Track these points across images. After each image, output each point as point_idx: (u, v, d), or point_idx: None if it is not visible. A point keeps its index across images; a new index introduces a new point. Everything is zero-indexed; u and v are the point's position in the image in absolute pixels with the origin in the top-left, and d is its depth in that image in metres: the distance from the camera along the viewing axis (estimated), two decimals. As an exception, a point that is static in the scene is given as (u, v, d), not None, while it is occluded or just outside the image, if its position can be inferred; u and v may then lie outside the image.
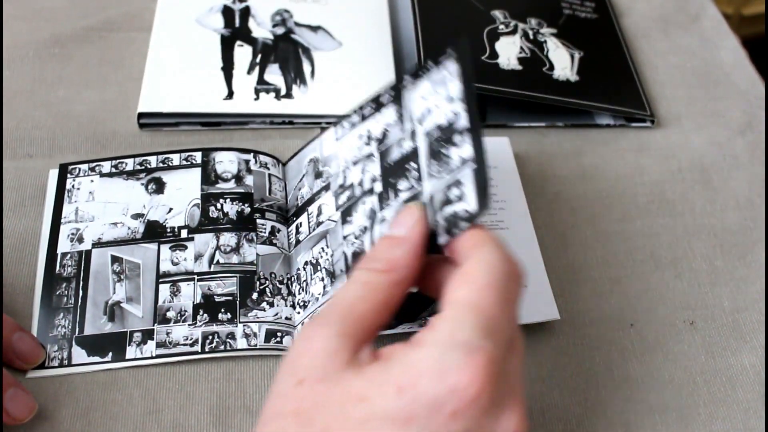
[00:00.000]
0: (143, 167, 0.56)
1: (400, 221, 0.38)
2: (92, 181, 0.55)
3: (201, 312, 0.49)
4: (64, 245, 0.52)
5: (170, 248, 0.52)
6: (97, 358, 0.48)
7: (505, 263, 0.36)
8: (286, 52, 0.65)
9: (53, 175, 0.56)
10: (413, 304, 0.49)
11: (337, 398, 0.33)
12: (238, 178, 0.55)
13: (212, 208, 0.54)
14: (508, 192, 0.56)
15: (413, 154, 0.44)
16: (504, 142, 0.60)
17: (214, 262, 0.51)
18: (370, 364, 0.34)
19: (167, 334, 0.49)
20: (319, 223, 0.52)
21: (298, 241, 0.53)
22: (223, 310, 0.49)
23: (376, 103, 0.49)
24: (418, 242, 0.37)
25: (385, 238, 0.38)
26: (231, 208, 0.54)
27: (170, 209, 0.54)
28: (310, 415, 0.33)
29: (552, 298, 0.51)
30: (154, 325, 0.49)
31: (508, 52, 0.66)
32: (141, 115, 0.60)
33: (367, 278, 0.36)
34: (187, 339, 0.48)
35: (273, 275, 0.51)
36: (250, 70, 0.63)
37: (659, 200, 0.59)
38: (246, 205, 0.54)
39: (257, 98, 0.62)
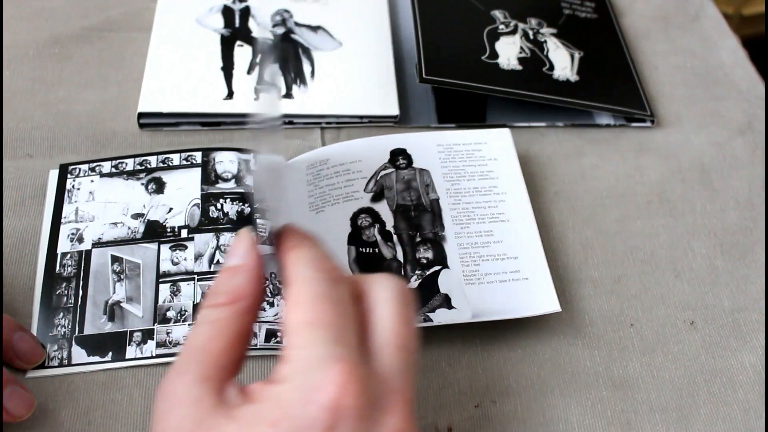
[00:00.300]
0: (143, 167, 0.56)
1: (233, 251, 0.37)
2: (92, 181, 0.55)
3: None
4: (64, 245, 0.52)
5: (170, 248, 0.52)
6: (97, 358, 0.48)
7: (322, 271, 0.35)
8: (286, 53, 0.65)
9: (53, 175, 0.56)
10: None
11: None
12: (238, 179, 0.55)
13: (212, 208, 0.54)
14: (509, 184, 0.56)
15: None
16: (505, 133, 0.60)
17: (214, 261, 0.51)
18: (240, 405, 0.33)
19: (167, 333, 0.49)
20: None
21: None
22: None
23: None
24: (255, 267, 0.36)
25: (222, 270, 0.37)
26: (231, 208, 0.54)
27: (170, 209, 0.54)
28: None
29: (553, 291, 0.51)
30: (154, 325, 0.49)
31: (508, 52, 0.66)
32: (141, 115, 0.60)
33: (214, 316, 0.35)
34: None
35: (273, 275, 0.51)
36: (250, 70, 0.63)
37: (659, 200, 0.59)
38: (246, 205, 0.54)
39: (257, 98, 0.62)
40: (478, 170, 0.57)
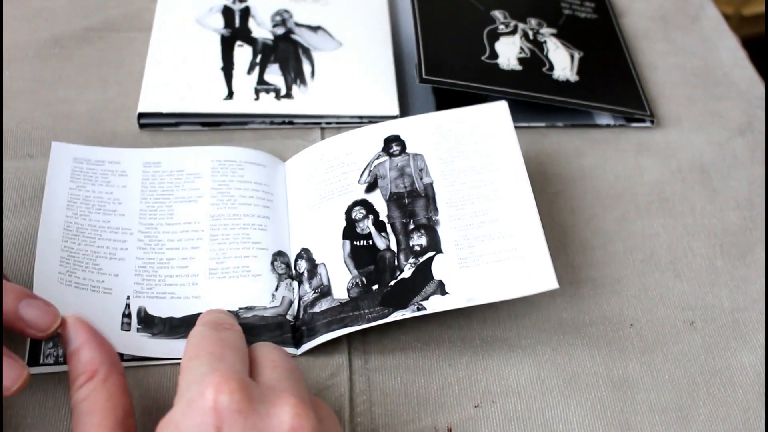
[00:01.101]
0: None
1: (67, 336, 0.41)
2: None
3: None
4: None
5: None
6: None
7: (209, 323, 0.43)
8: (286, 52, 0.65)
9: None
10: (407, 290, 0.49)
11: None
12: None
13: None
14: (505, 159, 0.54)
15: None
16: (501, 106, 0.57)
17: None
18: None
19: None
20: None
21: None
22: None
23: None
24: (92, 336, 0.41)
25: (69, 356, 0.41)
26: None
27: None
28: None
29: (550, 267, 0.49)
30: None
31: (508, 52, 0.66)
32: (141, 115, 0.60)
33: (81, 396, 0.40)
34: None
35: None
36: (250, 70, 0.63)
37: (659, 200, 0.59)
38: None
39: (257, 98, 0.62)
40: (473, 148, 0.55)
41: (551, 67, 0.65)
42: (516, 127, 0.62)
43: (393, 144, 0.56)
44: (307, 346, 0.49)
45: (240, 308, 0.50)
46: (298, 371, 0.41)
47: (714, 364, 0.51)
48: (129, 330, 0.48)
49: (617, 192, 0.60)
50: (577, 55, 0.67)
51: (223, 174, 0.55)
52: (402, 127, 0.57)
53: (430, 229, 0.52)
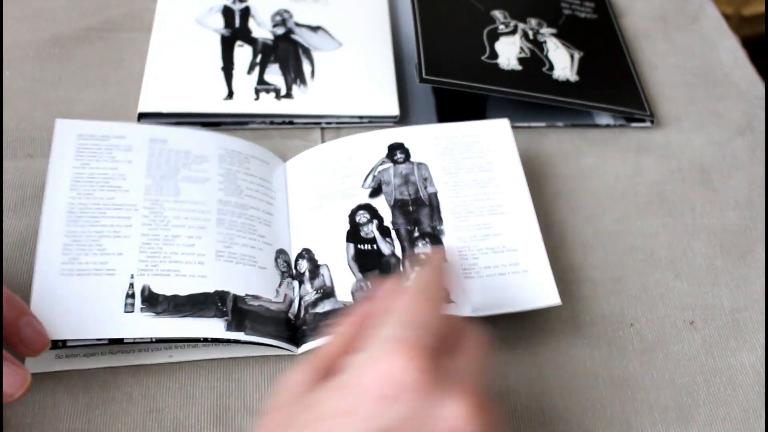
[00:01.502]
0: None
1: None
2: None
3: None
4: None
5: None
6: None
7: (419, 277, 0.41)
8: (286, 52, 0.65)
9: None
10: None
11: (294, 413, 0.37)
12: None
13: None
14: (507, 175, 0.56)
15: None
16: (503, 124, 0.58)
17: None
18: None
19: None
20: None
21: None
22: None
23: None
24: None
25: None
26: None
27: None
28: (271, 429, 0.37)
29: (553, 283, 0.50)
30: None
31: (508, 52, 0.66)
32: (141, 115, 0.60)
33: (335, 332, 0.41)
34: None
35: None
36: (250, 70, 0.63)
37: (659, 200, 0.59)
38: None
39: (257, 98, 0.62)
40: (476, 162, 0.56)
41: (551, 67, 0.65)
42: (516, 127, 0.62)
43: (397, 151, 0.56)
44: (308, 346, 0.49)
45: (247, 295, 0.49)
46: (488, 373, 0.40)
47: (714, 363, 0.51)
48: (132, 311, 0.47)
49: (617, 192, 0.60)
50: (577, 55, 0.67)
51: (230, 163, 0.55)
52: (405, 135, 0.57)
53: (435, 238, 0.52)
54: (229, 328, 0.48)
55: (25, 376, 0.41)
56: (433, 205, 0.54)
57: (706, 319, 0.53)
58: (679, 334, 0.52)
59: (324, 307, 0.50)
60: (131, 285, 0.48)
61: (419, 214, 0.53)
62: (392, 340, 0.36)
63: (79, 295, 0.47)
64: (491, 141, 0.58)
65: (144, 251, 0.50)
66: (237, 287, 0.49)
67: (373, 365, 0.35)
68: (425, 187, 0.55)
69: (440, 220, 0.53)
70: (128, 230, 0.50)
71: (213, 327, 0.47)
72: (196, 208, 0.52)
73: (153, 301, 0.48)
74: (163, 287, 0.48)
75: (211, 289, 0.49)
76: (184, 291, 0.48)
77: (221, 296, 0.49)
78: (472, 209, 0.54)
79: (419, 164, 0.56)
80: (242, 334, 0.47)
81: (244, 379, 0.48)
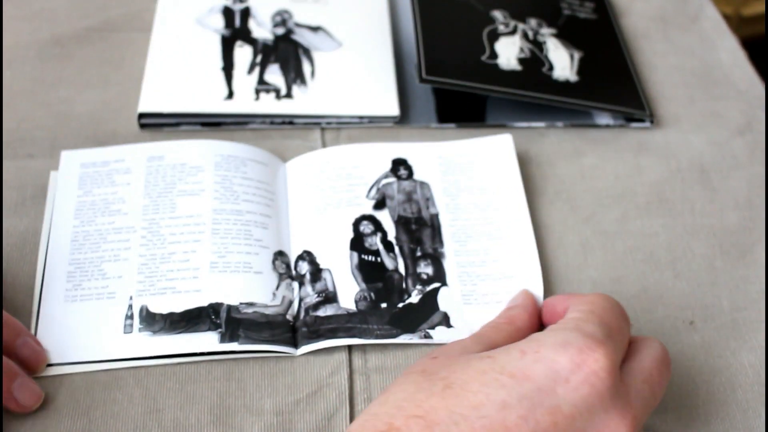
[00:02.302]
0: None
1: (514, 298, 0.49)
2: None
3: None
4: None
5: None
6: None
7: (609, 300, 0.42)
8: (286, 53, 0.65)
9: (53, 176, 0.56)
10: (414, 316, 0.50)
11: (464, 359, 0.38)
12: None
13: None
14: (508, 198, 0.56)
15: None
16: (506, 140, 0.59)
17: None
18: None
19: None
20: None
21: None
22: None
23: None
24: (532, 307, 0.48)
25: (510, 303, 0.49)
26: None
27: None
28: (435, 370, 0.38)
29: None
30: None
31: (508, 52, 0.66)
32: (141, 116, 0.60)
33: (496, 322, 0.45)
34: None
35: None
36: (250, 70, 0.63)
37: (659, 200, 0.60)
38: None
39: (257, 98, 0.62)
40: (477, 184, 0.56)
41: (551, 67, 0.65)
42: (516, 127, 0.62)
43: (401, 167, 0.57)
44: (308, 348, 0.49)
45: (241, 303, 0.50)
46: (656, 406, 0.40)
47: (713, 363, 0.51)
48: (131, 332, 0.48)
49: (617, 192, 0.60)
50: (576, 55, 0.67)
51: (226, 169, 0.55)
52: (409, 152, 0.58)
53: (436, 260, 0.53)
54: (222, 339, 0.48)
55: (39, 392, 0.45)
56: (434, 226, 0.54)
57: (705, 319, 0.53)
58: (679, 334, 0.52)
59: (326, 311, 0.50)
60: (130, 306, 0.49)
61: (422, 234, 0.54)
62: (594, 337, 0.37)
63: (82, 320, 0.49)
64: (493, 160, 0.58)
65: (142, 272, 0.50)
66: (231, 297, 0.50)
67: (569, 349, 0.36)
68: (427, 207, 0.55)
69: (441, 242, 0.53)
70: (127, 253, 0.51)
71: (207, 340, 0.48)
72: (191, 221, 0.53)
73: (150, 321, 0.49)
74: (160, 306, 0.49)
75: (205, 302, 0.49)
76: (179, 307, 0.49)
77: (215, 308, 0.49)
78: (472, 234, 0.54)
79: (422, 183, 0.56)
80: (236, 344, 0.48)
81: (244, 379, 0.48)
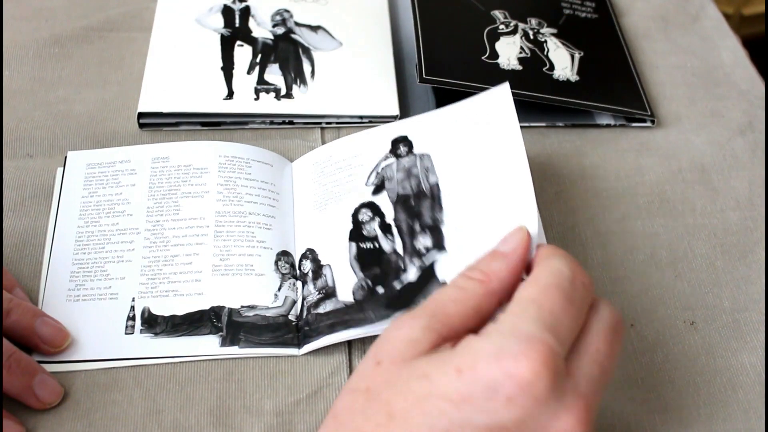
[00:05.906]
0: None
1: (507, 239, 0.41)
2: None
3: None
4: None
5: None
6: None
7: (570, 270, 0.38)
8: (286, 52, 0.65)
9: (59, 173, 0.56)
10: (412, 293, 0.49)
11: (404, 377, 0.36)
12: None
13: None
14: (506, 157, 0.51)
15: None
16: (504, 89, 0.53)
17: None
18: (442, 351, 0.36)
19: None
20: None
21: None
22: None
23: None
24: (518, 261, 0.40)
25: (491, 251, 0.41)
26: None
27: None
28: (378, 391, 0.36)
29: None
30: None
31: (508, 52, 0.66)
32: (141, 115, 0.60)
33: (464, 284, 0.39)
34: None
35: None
36: (250, 70, 0.63)
37: (659, 200, 0.59)
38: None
39: (257, 98, 0.62)
40: (475, 146, 0.52)
41: (551, 67, 0.65)
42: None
43: (400, 145, 0.55)
44: (309, 347, 0.49)
45: (242, 306, 0.50)
46: (610, 380, 0.38)
47: (714, 364, 0.51)
48: (133, 333, 0.48)
49: (617, 192, 0.60)
50: (577, 55, 0.67)
51: (231, 170, 0.55)
52: (409, 127, 0.56)
53: (435, 229, 0.51)
54: (223, 343, 0.48)
55: (59, 387, 0.46)
56: (434, 195, 0.52)
57: (706, 319, 0.53)
58: (680, 334, 0.52)
59: (326, 307, 0.50)
60: (132, 308, 0.49)
61: (421, 207, 0.52)
62: (529, 339, 0.34)
63: (83, 320, 0.49)
64: (492, 117, 0.53)
65: (145, 274, 0.50)
66: (232, 300, 0.50)
67: (503, 360, 0.34)
68: (427, 178, 0.53)
69: (441, 209, 0.51)
70: (131, 254, 0.51)
71: (208, 344, 0.48)
72: (195, 223, 0.53)
73: (152, 323, 0.49)
74: (162, 308, 0.49)
75: (206, 305, 0.49)
76: (181, 310, 0.49)
77: (216, 312, 0.49)
78: (471, 198, 0.51)
79: (422, 155, 0.54)
80: (236, 348, 0.48)
81: (244, 380, 0.48)
